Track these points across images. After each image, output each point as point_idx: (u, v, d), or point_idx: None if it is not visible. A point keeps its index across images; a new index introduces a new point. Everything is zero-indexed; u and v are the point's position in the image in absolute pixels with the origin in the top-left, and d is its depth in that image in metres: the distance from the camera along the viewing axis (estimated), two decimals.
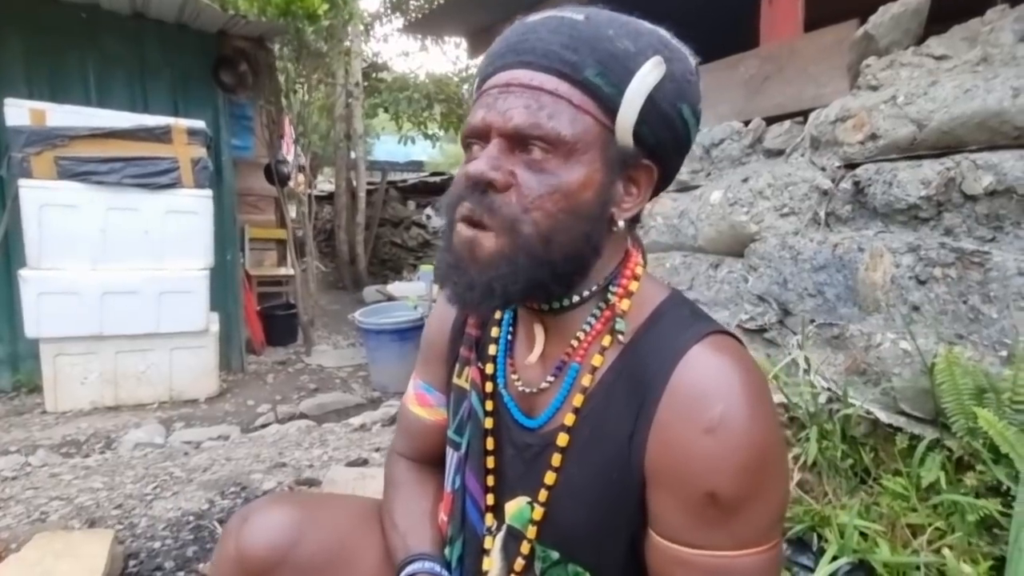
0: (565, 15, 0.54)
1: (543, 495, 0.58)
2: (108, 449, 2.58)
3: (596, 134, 0.52)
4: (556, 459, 0.58)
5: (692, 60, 0.57)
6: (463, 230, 0.53)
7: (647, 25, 0.56)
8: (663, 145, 0.55)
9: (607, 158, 0.53)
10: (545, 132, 0.51)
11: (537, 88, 0.52)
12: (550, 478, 0.58)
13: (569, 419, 0.57)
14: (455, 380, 0.70)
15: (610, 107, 0.52)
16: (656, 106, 0.52)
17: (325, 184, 8.34)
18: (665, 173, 0.58)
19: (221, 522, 1.65)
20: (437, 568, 0.65)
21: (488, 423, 0.65)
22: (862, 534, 1.06)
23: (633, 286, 0.59)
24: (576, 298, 0.59)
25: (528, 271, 0.52)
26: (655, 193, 0.61)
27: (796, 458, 1.26)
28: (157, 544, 1.55)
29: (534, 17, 0.56)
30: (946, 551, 0.97)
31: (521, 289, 0.53)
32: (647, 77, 0.51)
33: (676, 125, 0.55)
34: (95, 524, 1.64)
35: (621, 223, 0.56)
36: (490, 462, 0.65)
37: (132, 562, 1.45)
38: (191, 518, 1.68)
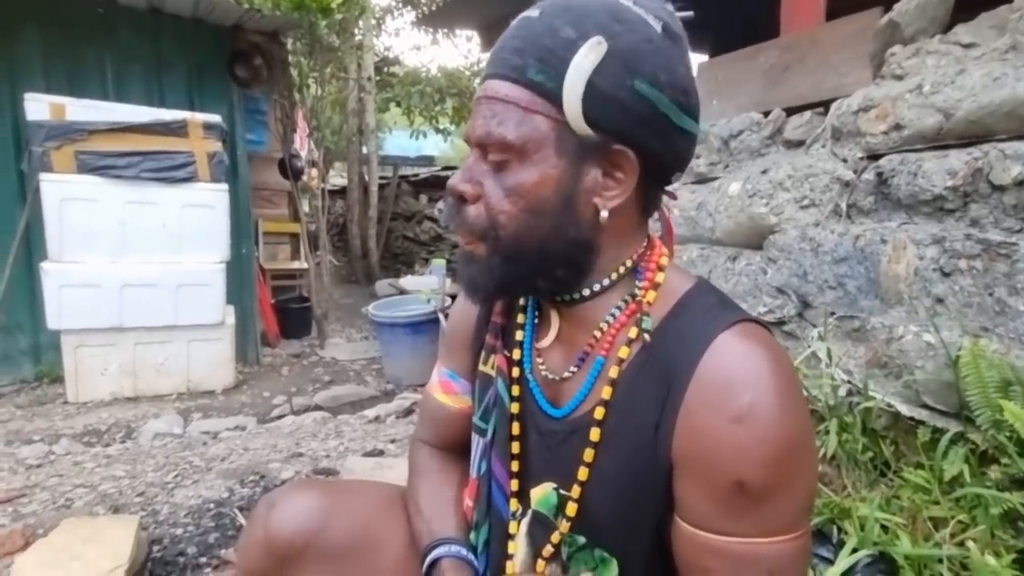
0: (526, 14, 0.55)
1: (576, 491, 0.58)
2: (128, 439, 2.64)
3: (547, 131, 0.52)
4: (588, 454, 0.58)
5: (656, 24, 0.53)
6: (462, 243, 0.59)
7: (603, 1, 0.53)
8: (623, 127, 0.52)
9: (566, 152, 0.53)
10: (494, 139, 0.53)
11: (493, 97, 0.54)
12: (583, 473, 0.58)
13: (599, 413, 0.57)
14: (481, 367, 0.71)
15: (557, 101, 0.52)
16: (599, 89, 0.50)
17: (337, 179, 8.38)
18: (650, 155, 0.54)
19: (241, 510, 1.68)
20: (463, 552, 0.66)
21: (514, 408, 0.65)
22: (883, 527, 1.05)
23: (659, 277, 0.59)
24: (588, 291, 0.59)
25: (500, 270, 0.56)
26: (661, 177, 0.58)
27: (816, 452, 1.25)
28: (179, 531, 1.58)
29: (513, 22, 0.57)
30: (970, 544, 0.96)
31: (497, 286, 0.58)
32: (583, 63, 0.50)
33: (629, 103, 0.51)
34: (119, 511, 1.68)
35: (605, 213, 0.55)
36: (515, 447, 0.65)
37: (156, 547, 1.48)
38: (212, 506, 1.71)
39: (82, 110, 2.95)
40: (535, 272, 0.57)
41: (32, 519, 1.62)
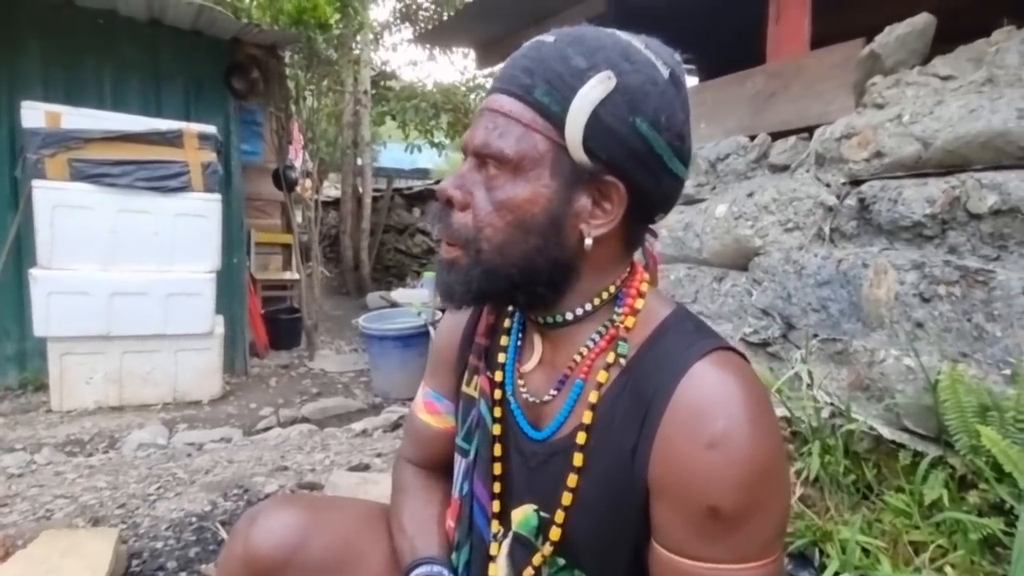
0: (540, 38, 0.57)
1: (560, 516, 0.59)
2: (112, 449, 2.60)
3: (544, 151, 0.54)
4: (572, 480, 0.58)
5: (663, 70, 0.55)
6: (444, 248, 0.60)
7: (616, 38, 0.55)
8: (618, 160, 0.54)
9: (560, 174, 0.54)
10: (492, 151, 0.55)
11: (497, 110, 0.56)
12: (567, 498, 0.58)
13: (581, 438, 0.58)
14: (464, 388, 0.71)
15: (560, 125, 0.53)
16: (602, 121, 0.52)
17: (331, 190, 8.40)
18: (638, 191, 0.56)
19: (224, 524, 1.66)
20: (444, 572, 0.66)
21: (496, 430, 0.66)
22: (864, 550, 1.06)
23: (639, 303, 0.60)
24: (571, 315, 0.60)
25: (480, 281, 0.57)
26: (647, 213, 0.60)
27: (798, 473, 1.26)
28: (160, 544, 1.56)
29: (525, 43, 0.59)
30: (948, 569, 0.97)
31: (475, 296, 0.59)
32: (590, 93, 0.52)
33: (628, 139, 0.53)
34: (99, 523, 1.65)
35: (589, 240, 0.56)
36: (497, 468, 0.66)
37: (135, 561, 1.46)
38: (194, 519, 1.69)
39: (78, 119, 2.96)
40: (515, 286, 0.58)
41: (12, 529, 1.59)
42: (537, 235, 0.55)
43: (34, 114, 2.88)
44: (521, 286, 0.58)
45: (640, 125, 0.53)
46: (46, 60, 3.25)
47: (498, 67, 0.64)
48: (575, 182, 0.55)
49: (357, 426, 2.81)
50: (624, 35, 0.56)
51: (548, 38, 0.56)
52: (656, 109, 0.54)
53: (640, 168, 0.55)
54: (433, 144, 7.22)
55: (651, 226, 0.64)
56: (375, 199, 7.05)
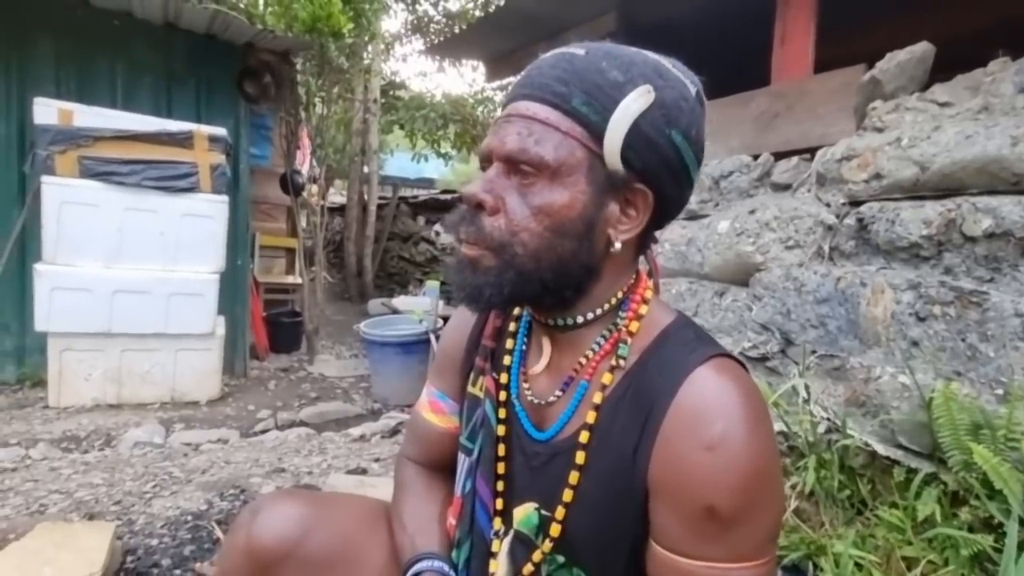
0: (568, 50, 0.59)
1: (560, 512, 0.60)
2: (108, 446, 2.60)
3: (581, 158, 0.56)
4: (574, 477, 0.60)
5: (691, 88, 0.59)
6: (465, 250, 0.59)
7: (646, 56, 0.58)
8: (652, 169, 0.57)
9: (595, 181, 0.57)
10: (530, 156, 0.56)
11: (530, 117, 0.57)
12: (568, 495, 0.60)
13: (584, 437, 0.60)
14: (469, 389, 0.73)
15: (597, 133, 0.56)
16: (642, 132, 0.55)
17: (337, 196, 8.45)
18: (663, 199, 0.60)
19: (219, 523, 1.66)
20: (445, 568, 0.67)
21: (500, 430, 0.67)
22: (857, 564, 1.07)
23: (643, 309, 0.63)
24: (581, 319, 0.62)
25: (514, 285, 0.57)
26: (662, 220, 0.63)
27: (794, 487, 1.27)
28: (155, 542, 1.56)
29: (546, 55, 0.61)
30: None
31: (505, 299, 0.59)
32: (632, 105, 0.55)
33: (664, 150, 0.56)
34: (94, 518, 1.65)
35: (618, 244, 0.59)
36: (500, 468, 0.67)
37: (130, 558, 1.46)
38: (189, 518, 1.69)
39: (89, 117, 2.99)
40: (546, 290, 0.58)
41: (4, 523, 1.60)
42: (572, 239, 0.57)
43: (46, 111, 2.91)
44: (553, 290, 0.59)
45: (675, 137, 0.57)
46: (59, 58, 3.29)
47: (508, 80, 0.65)
48: (607, 189, 0.58)
49: (355, 431, 2.81)
50: (651, 54, 0.60)
51: (578, 51, 0.58)
52: (688, 123, 0.58)
53: (670, 177, 0.59)
54: (440, 154, 7.28)
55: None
56: (380, 207, 7.10)
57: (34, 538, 1.35)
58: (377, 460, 2.26)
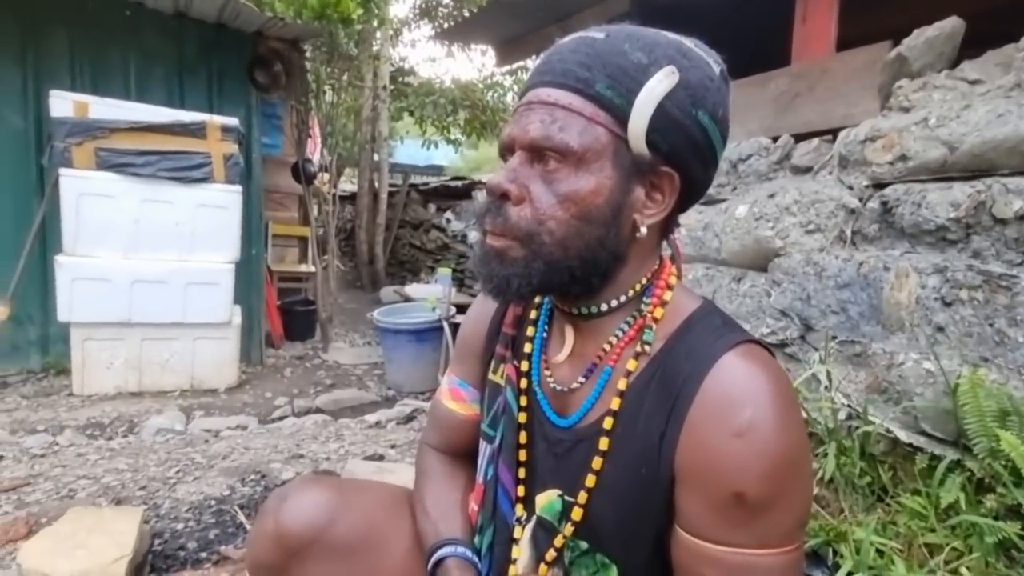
0: (588, 34, 0.58)
1: (582, 497, 0.60)
2: (131, 433, 2.66)
3: (607, 143, 0.55)
4: (597, 463, 0.59)
5: (715, 67, 0.58)
6: (491, 241, 0.58)
7: (667, 36, 0.57)
8: (678, 151, 0.56)
9: (620, 165, 0.56)
10: (555, 143, 0.55)
11: (552, 104, 0.56)
12: (590, 480, 0.60)
13: (608, 423, 0.59)
14: (490, 376, 0.73)
15: (622, 117, 0.55)
16: (667, 113, 0.54)
17: (348, 184, 8.46)
18: (689, 181, 0.59)
19: (242, 508, 1.69)
20: (468, 553, 0.68)
21: (522, 418, 0.67)
22: (878, 551, 1.06)
23: (667, 295, 0.62)
24: (606, 306, 0.62)
25: (542, 275, 0.57)
26: (686, 204, 0.62)
27: (813, 473, 1.26)
28: (180, 526, 1.60)
29: (565, 39, 0.60)
30: (963, 572, 0.97)
31: (534, 289, 0.58)
32: (657, 87, 0.53)
33: (691, 131, 0.56)
34: (121, 503, 1.70)
35: (644, 229, 0.58)
36: (522, 455, 0.67)
37: (157, 541, 1.50)
38: (213, 502, 1.73)
39: (104, 108, 3.02)
40: (574, 279, 0.58)
41: (36, 508, 1.64)
42: (600, 226, 0.56)
43: (62, 103, 2.94)
44: (580, 278, 0.58)
45: (702, 117, 0.56)
46: (74, 50, 3.31)
47: (519, 64, 0.63)
48: (633, 174, 0.57)
49: (371, 418, 2.85)
50: (672, 34, 0.58)
51: (598, 34, 0.57)
52: (714, 103, 0.57)
53: (697, 159, 0.58)
54: (450, 141, 7.25)
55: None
56: (391, 194, 7.10)
57: (66, 522, 1.39)
58: (393, 446, 2.29)
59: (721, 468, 0.52)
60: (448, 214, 6.12)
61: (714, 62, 0.58)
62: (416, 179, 8.12)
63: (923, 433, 1.19)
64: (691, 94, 0.55)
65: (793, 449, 0.53)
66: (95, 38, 3.35)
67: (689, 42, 0.58)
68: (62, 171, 2.92)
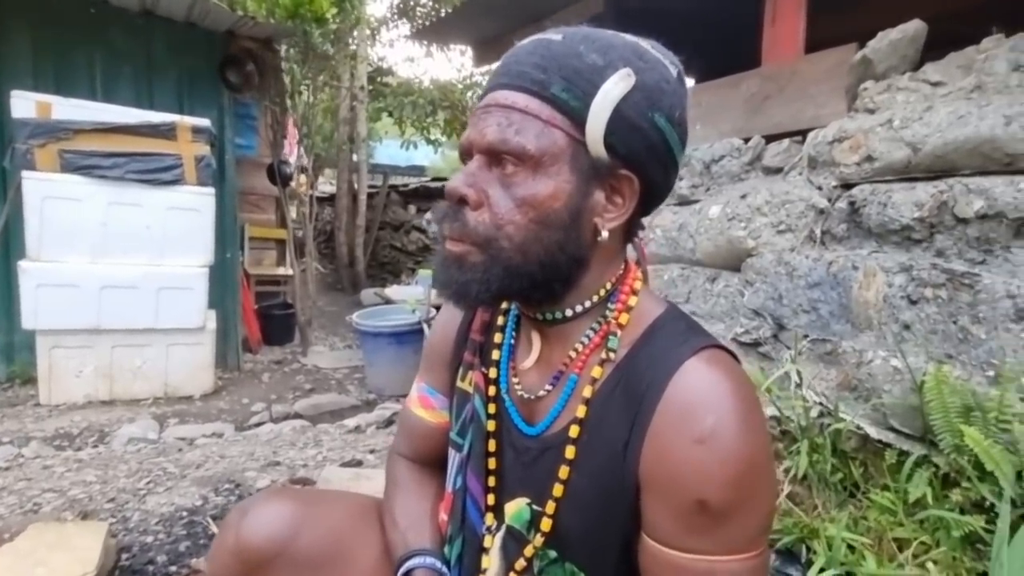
0: (545, 36, 0.57)
1: (550, 507, 0.60)
2: (101, 443, 2.58)
3: (564, 146, 0.54)
4: (563, 472, 0.59)
5: (672, 69, 0.57)
6: (450, 246, 0.58)
7: (624, 38, 0.57)
8: (636, 154, 0.56)
9: (578, 169, 0.55)
10: (511, 147, 0.54)
11: (509, 106, 0.55)
12: (558, 490, 0.59)
13: (574, 431, 0.59)
14: (458, 384, 0.72)
15: (579, 120, 0.54)
16: (624, 116, 0.54)
17: (326, 186, 8.36)
18: (649, 184, 0.58)
19: (215, 518, 1.65)
20: (437, 564, 0.67)
21: (490, 426, 0.66)
22: (850, 547, 1.08)
23: (632, 300, 0.62)
24: (570, 312, 0.61)
25: (501, 280, 0.56)
26: (648, 207, 0.62)
27: (787, 471, 1.28)
28: (150, 538, 1.55)
29: (523, 41, 0.59)
30: (931, 565, 0.99)
31: (493, 295, 0.57)
32: (612, 90, 0.53)
33: (648, 133, 0.55)
34: (88, 517, 1.65)
35: (605, 233, 0.57)
36: (491, 463, 0.66)
37: (125, 555, 1.46)
38: (184, 514, 1.68)
39: (69, 109, 2.93)
40: (536, 284, 0.57)
41: None
42: (558, 230, 0.55)
43: (24, 104, 2.85)
44: (541, 284, 0.57)
45: (659, 120, 0.55)
46: (36, 49, 3.21)
47: (495, 65, 0.62)
48: (591, 177, 0.56)
49: (350, 422, 2.81)
50: (629, 36, 0.58)
51: (555, 36, 0.56)
52: (671, 105, 0.56)
53: (655, 161, 0.58)
54: (429, 141, 7.21)
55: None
56: (371, 195, 7.04)
57: (26, 539, 1.34)
58: (372, 451, 2.26)
59: (684, 476, 0.52)
60: (428, 215, 6.08)
61: (671, 63, 0.58)
62: (396, 180, 8.06)
63: (892, 429, 1.22)
64: (647, 96, 0.54)
65: (755, 456, 0.53)
66: (58, 36, 3.25)
67: (646, 43, 0.58)
68: (25, 174, 2.83)
